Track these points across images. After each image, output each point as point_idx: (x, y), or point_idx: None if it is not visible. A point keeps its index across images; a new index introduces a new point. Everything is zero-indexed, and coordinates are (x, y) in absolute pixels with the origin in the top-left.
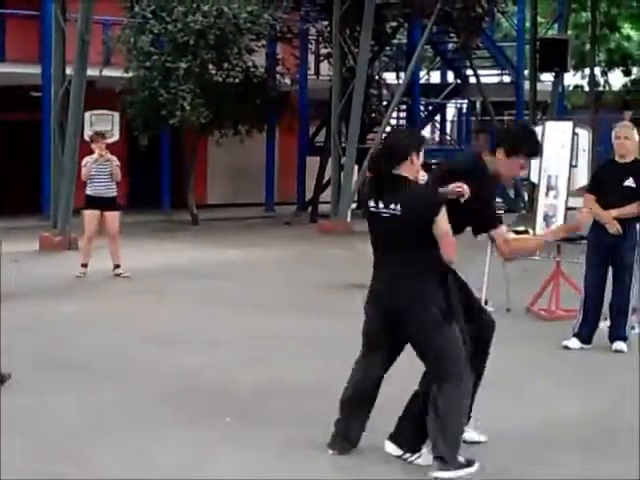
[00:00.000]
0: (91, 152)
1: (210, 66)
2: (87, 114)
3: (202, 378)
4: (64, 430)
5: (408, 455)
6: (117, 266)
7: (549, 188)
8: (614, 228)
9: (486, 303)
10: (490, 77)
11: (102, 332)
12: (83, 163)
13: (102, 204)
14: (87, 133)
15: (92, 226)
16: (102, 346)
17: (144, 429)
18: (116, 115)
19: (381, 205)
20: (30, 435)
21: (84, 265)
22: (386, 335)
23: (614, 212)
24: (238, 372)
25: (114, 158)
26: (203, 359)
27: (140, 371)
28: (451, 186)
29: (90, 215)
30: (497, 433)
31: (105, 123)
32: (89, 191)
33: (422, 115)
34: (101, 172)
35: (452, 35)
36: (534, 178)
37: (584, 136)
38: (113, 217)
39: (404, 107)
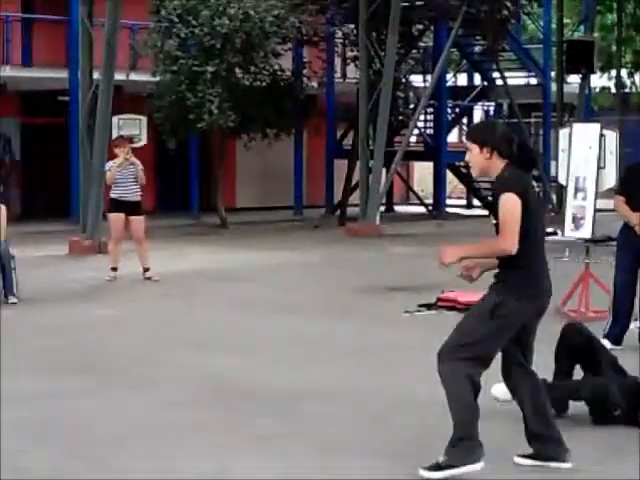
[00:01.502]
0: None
1: (237, 70)
2: (115, 118)
3: (234, 381)
4: (95, 434)
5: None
6: (146, 269)
7: (577, 190)
8: None
9: None
10: (517, 79)
11: (132, 335)
12: (107, 167)
13: (127, 208)
14: (115, 137)
15: (118, 229)
16: (132, 350)
17: (176, 433)
18: (144, 119)
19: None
20: (61, 440)
21: (114, 269)
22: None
23: None
24: (270, 375)
25: (138, 162)
26: (234, 362)
27: (171, 374)
28: None
29: (115, 218)
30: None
31: (133, 127)
32: (114, 195)
33: (449, 118)
34: (126, 176)
35: (478, 38)
36: (562, 180)
37: (611, 138)
38: (138, 221)
39: (431, 110)
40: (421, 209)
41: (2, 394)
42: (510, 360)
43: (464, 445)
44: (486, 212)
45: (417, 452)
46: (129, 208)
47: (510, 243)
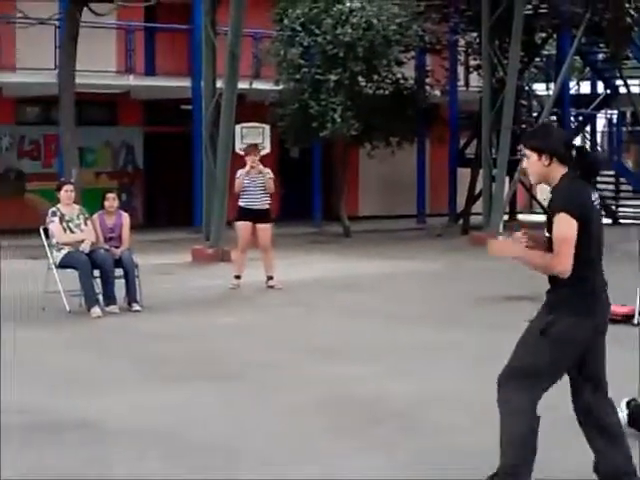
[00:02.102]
0: (243, 164)
1: (360, 78)
2: (238, 127)
3: (352, 389)
4: (211, 440)
5: None
6: (270, 278)
7: None
8: None
9: None
10: None
11: (254, 343)
12: (237, 175)
13: (254, 216)
14: (238, 146)
15: (245, 238)
16: (254, 357)
17: (294, 439)
18: (267, 128)
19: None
20: (173, 444)
21: (237, 277)
22: None
23: None
24: (390, 383)
25: (267, 170)
26: (354, 370)
27: (291, 382)
28: None
29: (242, 227)
30: None
31: (256, 136)
32: (242, 203)
33: (572, 126)
34: (254, 184)
35: (601, 45)
36: None
37: None
38: (265, 229)
39: (554, 118)
40: (544, 217)
41: (127, 402)
42: (579, 396)
43: None
44: (609, 221)
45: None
46: (257, 216)
47: (565, 266)
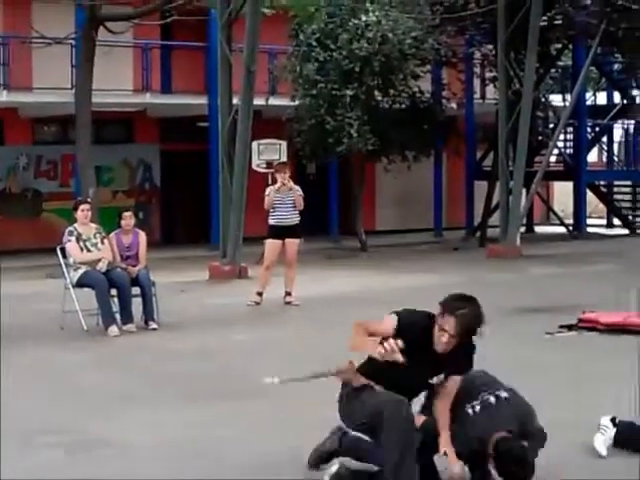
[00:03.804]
0: (259, 181)
1: (376, 92)
2: (254, 143)
3: None
4: (239, 458)
5: None
6: (288, 294)
7: None
8: None
9: None
10: None
11: (273, 360)
12: (267, 192)
13: (284, 232)
14: (255, 162)
15: (272, 256)
16: (273, 374)
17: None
18: (283, 144)
19: None
20: (194, 465)
21: (259, 293)
22: None
23: None
24: None
25: (297, 187)
26: None
27: (311, 397)
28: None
29: (273, 245)
30: None
31: (273, 152)
32: (272, 221)
33: (589, 137)
34: (284, 201)
35: (617, 55)
36: None
37: None
38: (292, 244)
39: (571, 129)
40: (561, 229)
41: (148, 420)
42: None
43: None
44: (626, 231)
45: None
46: (287, 232)
47: None
